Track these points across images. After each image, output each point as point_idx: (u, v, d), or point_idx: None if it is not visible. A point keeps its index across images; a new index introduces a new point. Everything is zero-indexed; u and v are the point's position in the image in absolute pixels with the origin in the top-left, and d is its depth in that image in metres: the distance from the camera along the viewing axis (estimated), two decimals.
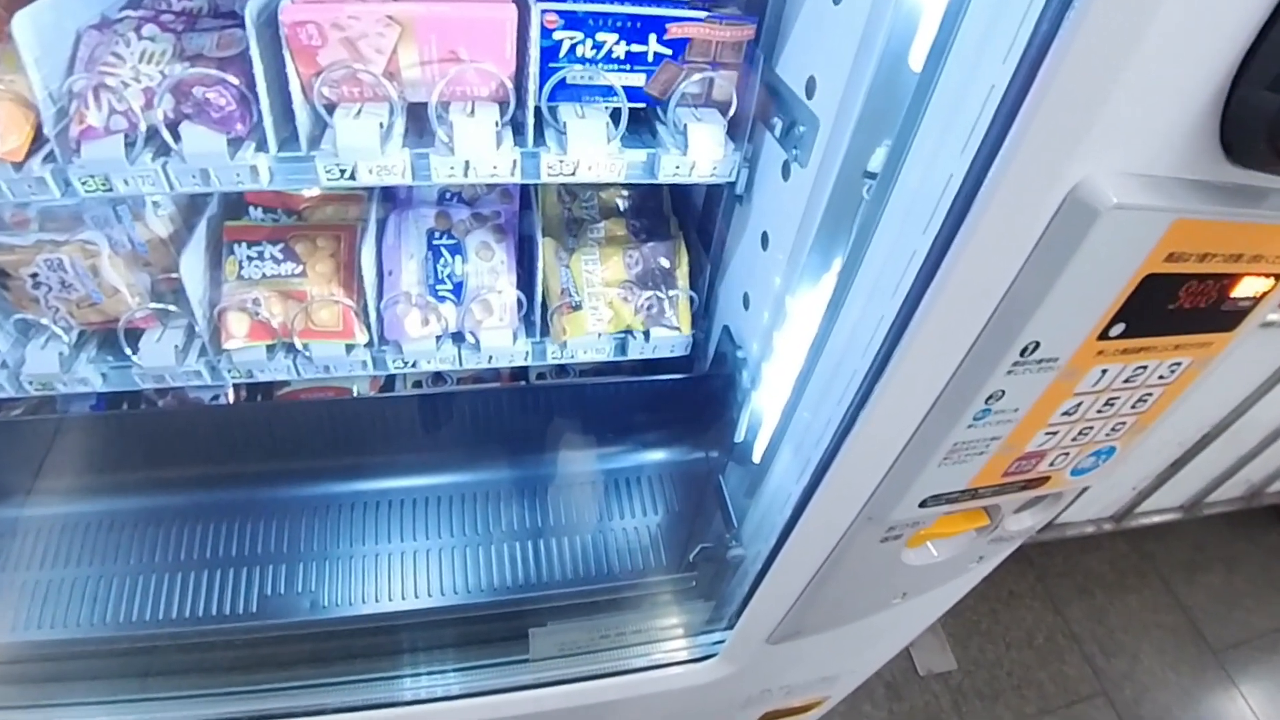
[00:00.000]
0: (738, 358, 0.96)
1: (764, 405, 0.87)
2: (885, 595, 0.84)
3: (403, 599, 0.96)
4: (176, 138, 0.73)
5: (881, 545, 0.73)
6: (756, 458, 0.87)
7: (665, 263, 0.94)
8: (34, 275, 0.83)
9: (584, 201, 0.99)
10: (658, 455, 1.15)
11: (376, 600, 0.96)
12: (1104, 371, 0.61)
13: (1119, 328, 0.56)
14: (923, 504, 0.68)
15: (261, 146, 0.75)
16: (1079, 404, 0.63)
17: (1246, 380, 1.64)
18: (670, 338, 0.95)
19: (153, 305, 0.87)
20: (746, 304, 0.91)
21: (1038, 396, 0.60)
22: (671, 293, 0.92)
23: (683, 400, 1.09)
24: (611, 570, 0.99)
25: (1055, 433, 0.66)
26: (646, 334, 0.94)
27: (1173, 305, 0.57)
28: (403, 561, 1.00)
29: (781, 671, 1.05)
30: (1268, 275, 0.58)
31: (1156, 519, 1.99)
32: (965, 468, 0.65)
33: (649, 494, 1.11)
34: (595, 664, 0.94)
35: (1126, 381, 0.63)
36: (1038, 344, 0.55)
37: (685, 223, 1.02)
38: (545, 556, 1.00)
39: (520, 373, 1.15)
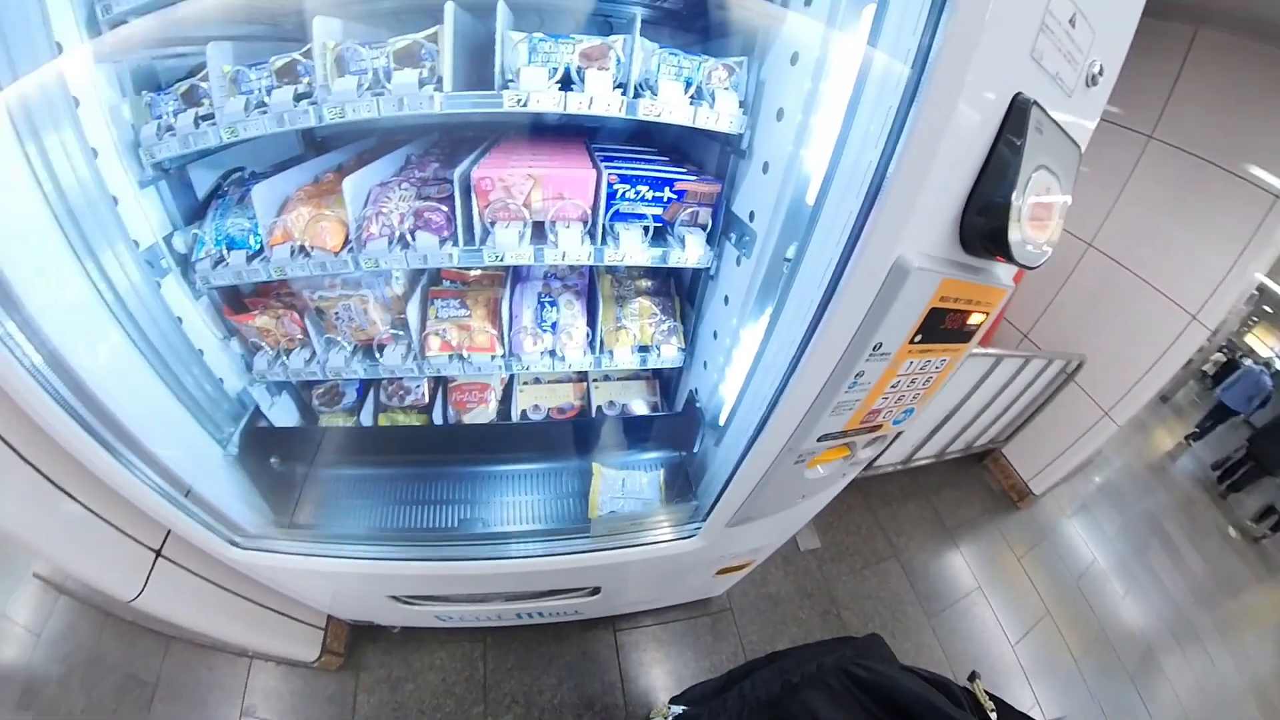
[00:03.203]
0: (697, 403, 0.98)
1: (725, 393, 0.89)
2: (794, 496, 0.86)
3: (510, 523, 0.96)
4: (413, 238, 0.77)
5: (794, 465, 0.76)
6: (721, 419, 0.90)
7: (670, 316, 0.99)
8: (336, 313, 0.89)
9: (625, 287, 1.04)
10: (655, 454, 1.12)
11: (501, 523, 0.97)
12: (911, 363, 0.64)
13: (919, 337, 0.60)
14: (819, 439, 0.70)
15: (455, 243, 0.78)
16: (898, 381, 0.66)
17: (963, 387, 1.79)
18: (672, 356, 0.98)
19: (391, 330, 0.92)
20: (715, 336, 0.94)
21: (880, 376, 0.63)
22: (674, 324, 0.97)
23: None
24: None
25: (887, 398, 0.68)
26: (659, 351, 0.97)
27: (943, 326, 0.61)
28: (515, 498, 1.01)
29: (732, 544, 1.05)
30: (981, 312, 0.63)
31: (923, 462, 2.11)
32: (842, 418, 0.68)
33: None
34: (628, 539, 0.95)
35: (921, 369, 0.66)
36: (881, 344, 0.58)
37: (681, 296, 1.06)
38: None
39: (583, 409, 1.15)
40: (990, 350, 1.67)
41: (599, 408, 1.12)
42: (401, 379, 1.11)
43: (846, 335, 0.58)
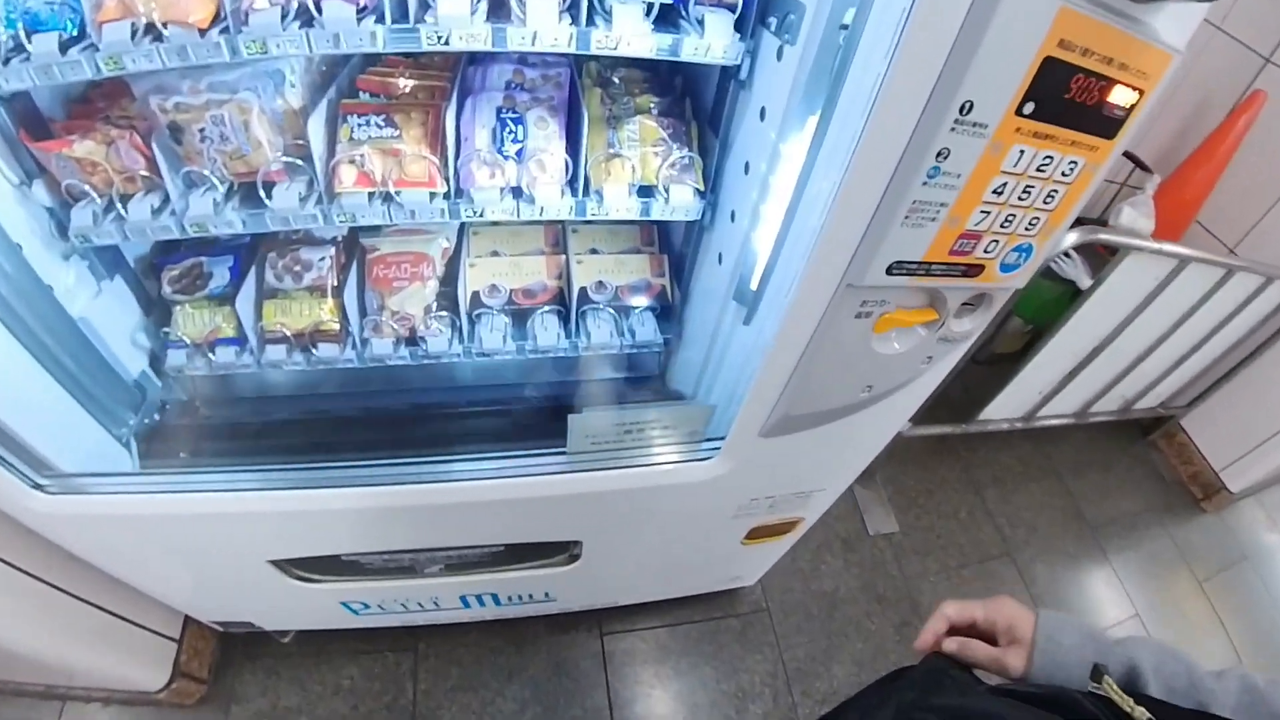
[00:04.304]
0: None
1: (759, 246, 0.96)
2: (856, 384, 0.91)
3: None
4: (319, 10, 0.81)
5: (856, 321, 0.81)
6: (753, 285, 0.97)
7: (684, 144, 1.06)
8: (201, 130, 0.94)
9: (621, 104, 1.09)
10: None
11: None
12: (1022, 153, 0.68)
13: (1030, 106, 0.64)
14: (889, 271, 0.75)
15: (380, 19, 0.83)
16: (1005, 184, 0.70)
17: (1124, 304, 1.80)
18: (687, 202, 1.04)
19: (285, 158, 0.97)
20: (747, 170, 0.99)
21: (974, 165, 0.67)
22: (689, 156, 1.03)
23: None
24: None
25: (988, 213, 0.73)
26: (667, 195, 1.02)
27: (1067, 95, 0.64)
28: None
29: (768, 477, 1.11)
30: (1133, 88, 0.66)
31: (1054, 422, 2.18)
32: (921, 234, 0.73)
33: None
34: (618, 458, 1.02)
35: (1039, 170, 0.70)
36: (971, 104, 0.62)
37: (700, 124, 1.11)
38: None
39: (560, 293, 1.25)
40: (1171, 247, 1.66)
41: (583, 290, 1.19)
42: (298, 248, 1.18)
43: (922, 90, 0.62)
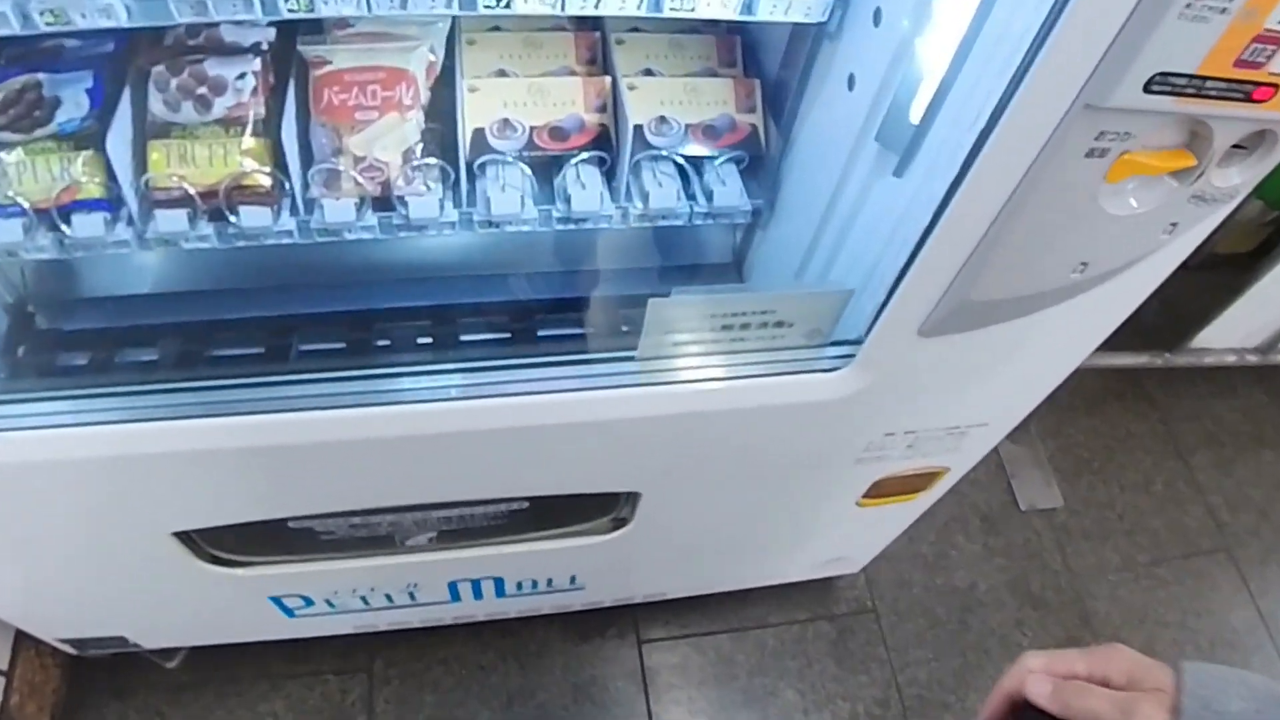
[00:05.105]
0: None
1: (924, 62, 0.98)
2: (1068, 259, 0.95)
3: None
4: None
5: (1085, 163, 0.84)
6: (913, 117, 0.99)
7: None
8: None
9: None
10: None
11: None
12: None
13: None
14: (1147, 87, 0.77)
15: None
16: None
17: None
18: None
19: None
20: None
21: None
22: None
23: None
24: None
25: None
26: None
27: None
28: None
29: (916, 400, 1.17)
30: None
31: None
32: (1202, 33, 0.74)
33: None
34: (705, 367, 1.07)
35: None
36: None
37: None
38: None
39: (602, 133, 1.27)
40: None
41: (638, 130, 1.20)
42: (201, 60, 1.15)
43: None
